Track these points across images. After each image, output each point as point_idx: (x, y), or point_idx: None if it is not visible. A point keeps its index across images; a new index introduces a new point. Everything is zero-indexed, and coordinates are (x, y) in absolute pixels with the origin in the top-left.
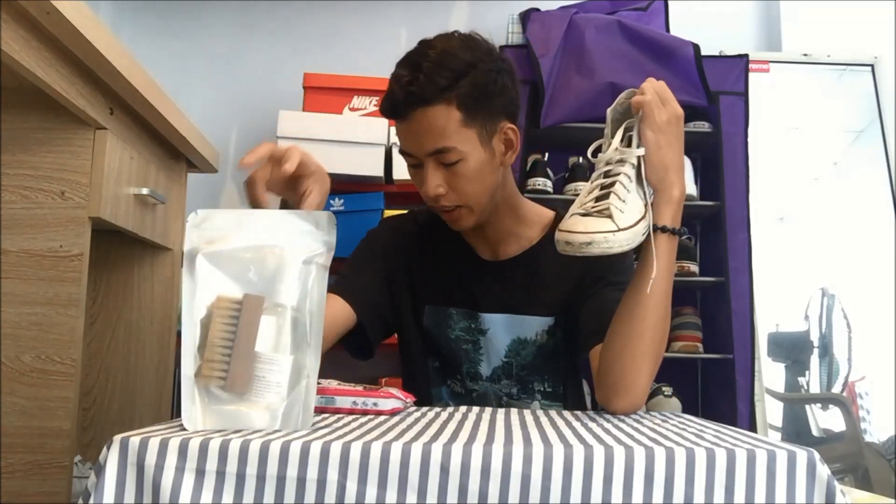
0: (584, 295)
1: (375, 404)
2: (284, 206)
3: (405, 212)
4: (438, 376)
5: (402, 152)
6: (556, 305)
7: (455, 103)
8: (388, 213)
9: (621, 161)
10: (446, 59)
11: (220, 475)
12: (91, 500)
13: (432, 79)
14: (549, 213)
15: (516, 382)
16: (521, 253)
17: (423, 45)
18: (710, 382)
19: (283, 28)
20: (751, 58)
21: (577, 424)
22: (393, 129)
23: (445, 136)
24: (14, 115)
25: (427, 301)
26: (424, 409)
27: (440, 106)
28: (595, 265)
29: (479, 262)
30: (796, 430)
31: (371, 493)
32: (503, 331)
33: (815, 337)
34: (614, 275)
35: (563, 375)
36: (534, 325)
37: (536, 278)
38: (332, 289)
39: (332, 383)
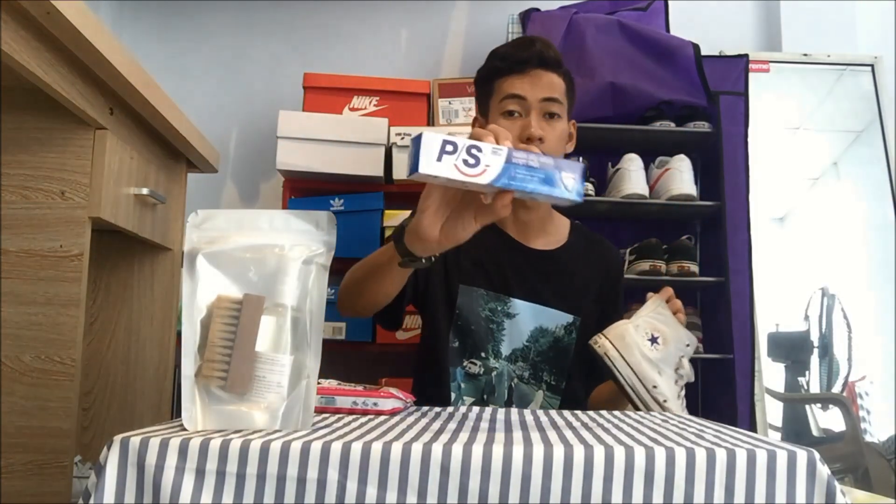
0: (596, 306)
1: (375, 404)
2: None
3: None
4: (456, 357)
5: (509, 97)
6: (578, 306)
7: (564, 78)
8: (389, 213)
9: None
10: (559, 53)
11: (221, 475)
12: (91, 500)
13: (557, 53)
14: (567, 220)
15: (530, 367)
16: (555, 249)
17: (538, 36)
18: (710, 382)
19: (283, 28)
20: (751, 58)
21: (577, 424)
22: (393, 130)
23: (558, 91)
24: (14, 115)
25: (460, 281)
26: (424, 408)
27: (557, 74)
28: (608, 281)
29: (516, 246)
30: (796, 430)
31: (371, 493)
32: (529, 318)
33: (815, 337)
34: (620, 295)
35: (567, 375)
36: (555, 318)
37: (564, 276)
38: None
39: (332, 383)
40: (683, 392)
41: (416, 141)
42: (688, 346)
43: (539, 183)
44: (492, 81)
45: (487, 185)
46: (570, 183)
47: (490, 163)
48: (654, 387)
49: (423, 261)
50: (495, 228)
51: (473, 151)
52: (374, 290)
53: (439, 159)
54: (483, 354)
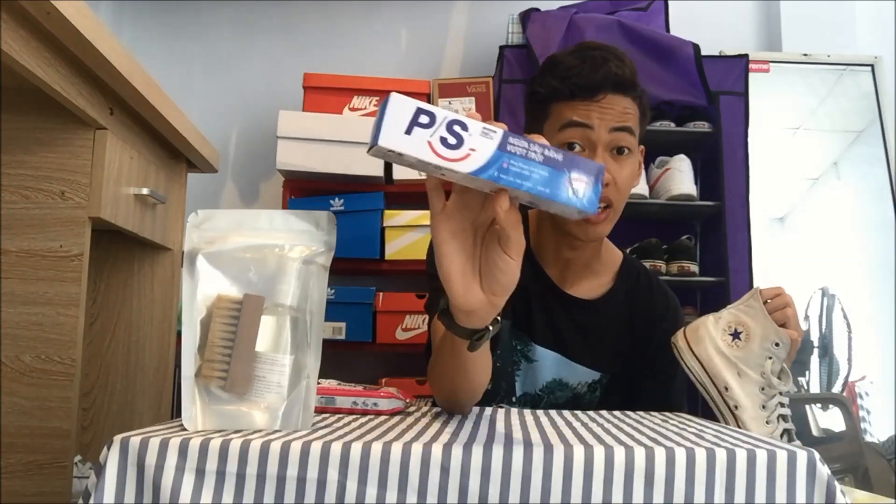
0: (640, 360)
1: (375, 404)
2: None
3: None
4: (484, 402)
5: (570, 125)
6: (608, 362)
7: (637, 103)
8: (389, 213)
9: (785, 394)
10: (634, 66)
11: (221, 475)
12: (91, 500)
13: (632, 73)
14: (619, 255)
15: None
16: (595, 299)
17: (609, 46)
18: None
19: (283, 28)
20: (751, 58)
21: (577, 424)
22: None
23: (631, 119)
24: (14, 115)
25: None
26: (424, 409)
27: (629, 99)
28: (656, 332)
29: (550, 289)
30: (796, 430)
31: (371, 493)
32: (550, 367)
33: (815, 337)
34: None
35: None
36: (580, 375)
37: (599, 330)
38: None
39: (332, 383)
40: (774, 403)
41: (384, 106)
42: (777, 345)
43: (539, 182)
44: (547, 104)
45: (468, 177)
46: (580, 187)
47: (477, 146)
48: (726, 389)
49: (490, 328)
50: (531, 261)
51: (456, 128)
52: (470, 386)
53: (409, 132)
54: (514, 399)
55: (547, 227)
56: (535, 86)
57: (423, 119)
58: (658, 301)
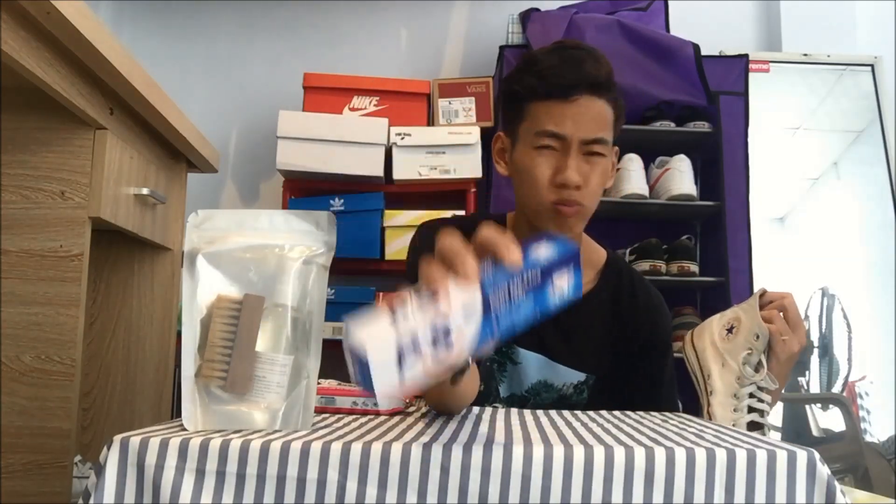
0: (626, 359)
1: (375, 404)
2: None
3: (446, 216)
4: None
5: (542, 133)
6: (593, 363)
7: (612, 105)
8: (389, 213)
9: (764, 389)
10: (610, 67)
11: (221, 475)
12: (91, 500)
13: (608, 75)
14: (602, 253)
15: None
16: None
17: (586, 46)
18: None
19: (283, 28)
20: (751, 58)
21: (577, 424)
22: (393, 130)
23: (605, 127)
24: (14, 115)
25: None
26: (424, 409)
27: (605, 101)
28: (640, 331)
29: None
30: (796, 430)
31: (371, 493)
32: (534, 369)
33: (815, 337)
34: (662, 343)
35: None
36: (565, 376)
37: (582, 330)
38: None
39: (333, 383)
40: (746, 392)
41: (355, 356)
42: (757, 337)
43: (528, 312)
44: (523, 104)
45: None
46: (563, 285)
47: (464, 327)
48: (708, 376)
49: (469, 360)
50: None
51: (439, 332)
52: (460, 397)
53: (401, 375)
54: (500, 399)
55: (524, 229)
56: (512, 84)
57: (409, 353)
58: (642, 301)
